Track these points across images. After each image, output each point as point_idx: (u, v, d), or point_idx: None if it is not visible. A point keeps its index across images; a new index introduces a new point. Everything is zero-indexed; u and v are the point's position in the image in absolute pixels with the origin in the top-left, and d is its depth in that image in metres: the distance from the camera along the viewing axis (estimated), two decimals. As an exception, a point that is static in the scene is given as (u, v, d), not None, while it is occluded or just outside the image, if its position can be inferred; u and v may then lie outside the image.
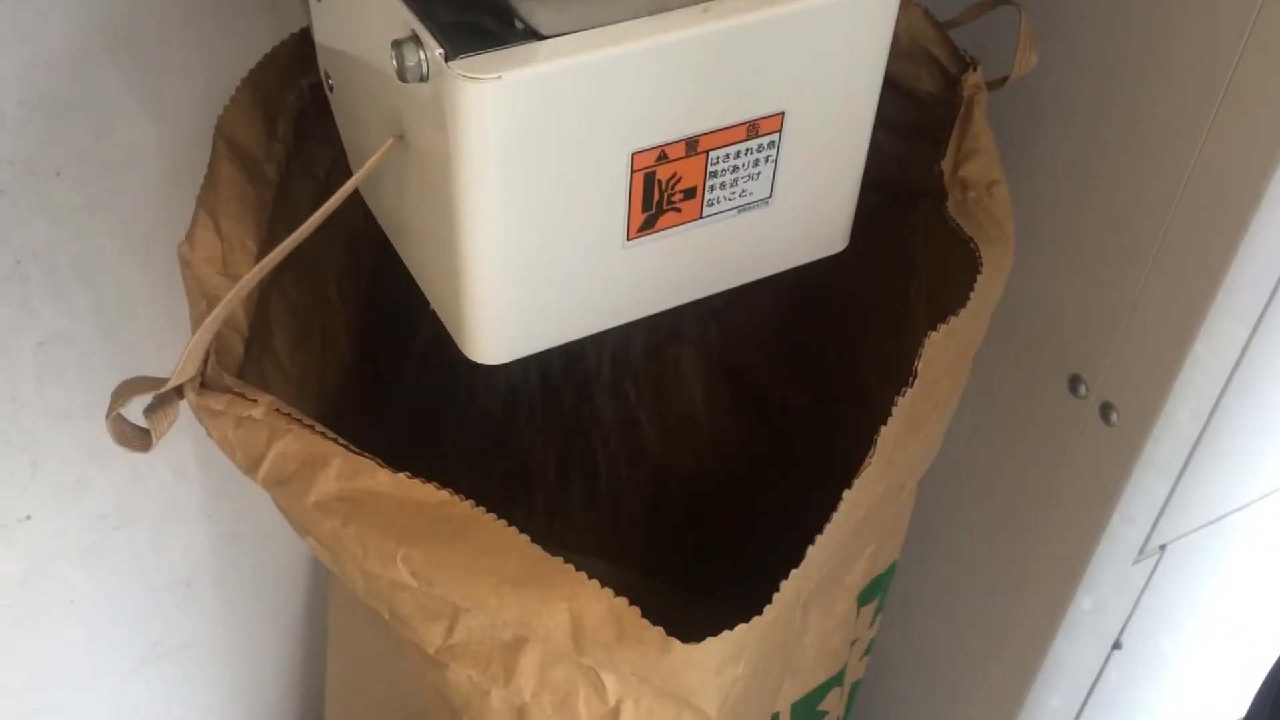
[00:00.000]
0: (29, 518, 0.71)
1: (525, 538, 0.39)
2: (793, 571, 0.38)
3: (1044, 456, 0.75)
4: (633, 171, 0.40)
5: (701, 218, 0.43)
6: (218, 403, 0.43)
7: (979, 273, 0.46)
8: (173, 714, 0.87)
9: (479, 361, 0.43)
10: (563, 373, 0.75)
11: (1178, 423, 0.69)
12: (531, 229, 0.40)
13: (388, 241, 0.63)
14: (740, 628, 0.36)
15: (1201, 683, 1.00)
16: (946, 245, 0.58)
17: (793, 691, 0.60)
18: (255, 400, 0.43)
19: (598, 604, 0.37)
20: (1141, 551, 0.78)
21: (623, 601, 0.37)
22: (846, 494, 0.39)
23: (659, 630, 0.36)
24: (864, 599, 0.62)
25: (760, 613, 0.37)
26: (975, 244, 0.48)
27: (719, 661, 0.37)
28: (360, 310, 0.61)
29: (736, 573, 0.70)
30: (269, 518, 0.83)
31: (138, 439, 0.43)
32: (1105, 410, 0.71)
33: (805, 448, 0.72)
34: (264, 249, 0.49)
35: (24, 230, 0.61)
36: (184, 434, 0.74)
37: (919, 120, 0.60)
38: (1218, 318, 0.63)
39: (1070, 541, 0.76)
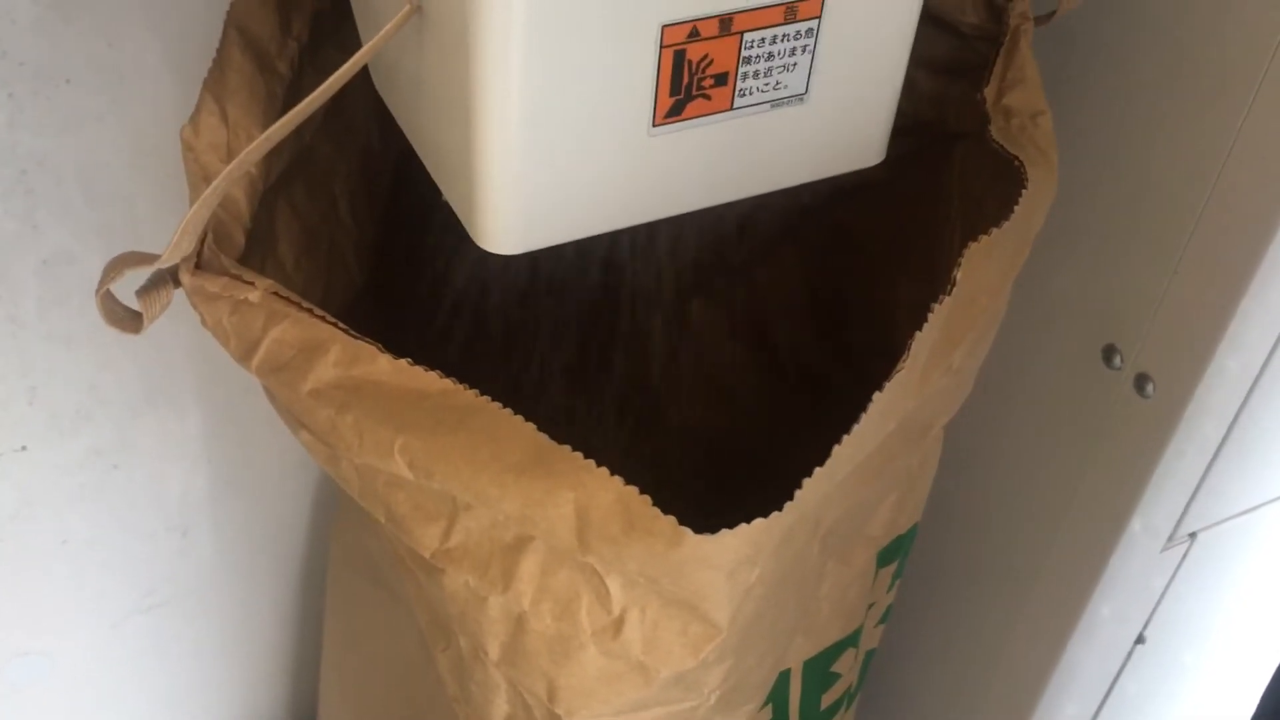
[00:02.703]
0: (24, 448, 0.69)
1: (531, 426, 0.36)
2: (816, 469, 0.35)
3: (1074, 431, 0.73)
4: (662, 47, 0.38)
5: (732, 109, 0.41)
6: (213, 285, 0.41)
7: (1024, 188, 0.43)
8: (164, 667, 0.84)
9: (491, 250, 0.40)
10: (580, 328, 0.73)
11: (1217, 396, 0.66)
12: (553, 107, 0.38)
13: (403, 162, 0.61)
14: (758, 522, 0.34)
15: (1225, 680, 0.96)
16: (987, 185, 0.56)
17: (806, 647, 0.57)
18: (252, 283, 0.41)
19: (605, 493, 0.35)
20: (1171, 538, 0.75)
21: (632, 490, 0.34)
22: (877, 396, 0.37)
23: (670, 519, 0.34)
24: (883, 559, 0.60)
25: (781, 509, 0.34)
26: (1020, 161, 0.45)
27: (733, 561, 0.34)
28: (373, 234, 0.59)
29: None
30: (268, 468, 0.81)
31: (129, 319, 0.41)
32: (1141, 382, 0.68)
33: (831, 408, 0.70)
34: (273, 148, 0.47)
35: (30, 138, 0.59)
36: (184, 370, 0.72)
37: (958, 56, 0.58)
38: (1263, 284, 0.61)
39: (1098, 522, 0.73)
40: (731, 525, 0.34)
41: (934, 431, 0.53)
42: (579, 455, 0.35)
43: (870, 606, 0.61)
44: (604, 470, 0.35)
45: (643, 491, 0.34)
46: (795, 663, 0.57)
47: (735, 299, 0.75)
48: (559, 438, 0.36)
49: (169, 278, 0.41)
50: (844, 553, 0.54)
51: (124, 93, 0.60)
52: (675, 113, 0.40)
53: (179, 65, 0.60)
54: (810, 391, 0.74)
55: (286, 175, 0.51)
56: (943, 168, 0.59)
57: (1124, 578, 0.77)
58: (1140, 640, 0.84)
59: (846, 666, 0.61)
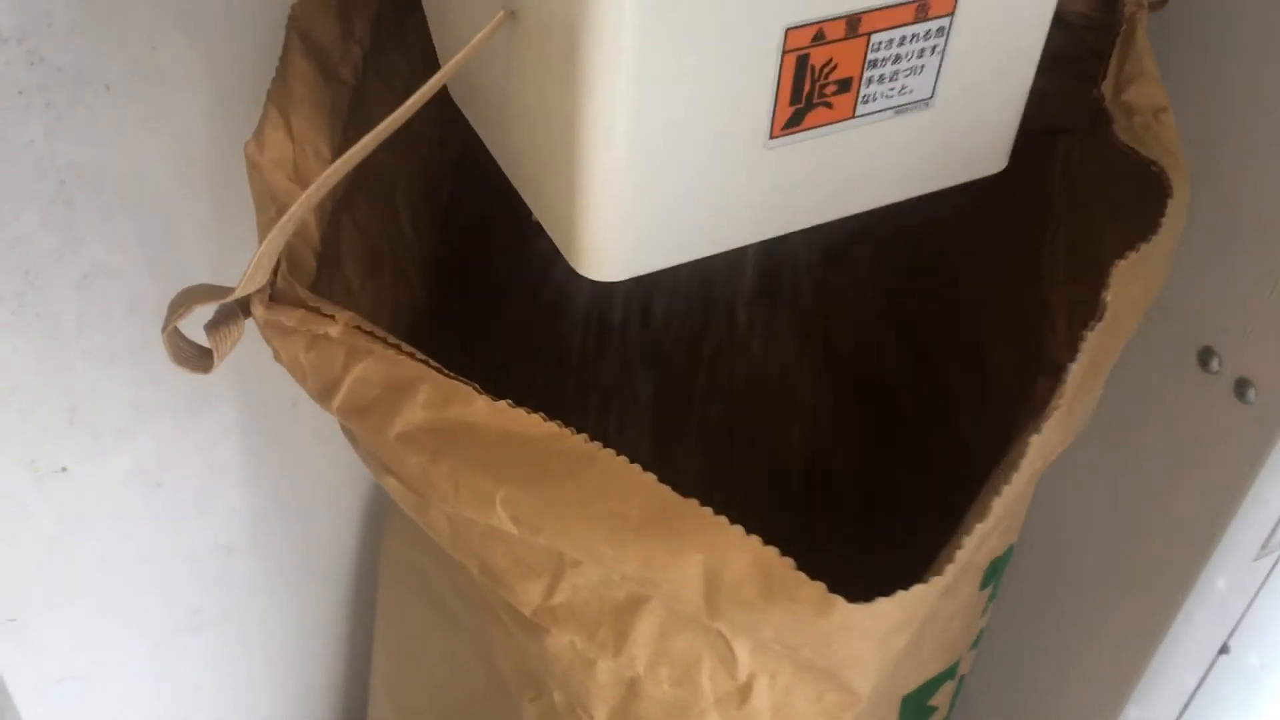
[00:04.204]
0: (64, 470, 0.66)
1: (651, 476, 0.33)
2: (977, 525, 0.32)
3: (1168, 439, 0.69)
4: (784, 53, 0.34)
5: (854, 117, 0.37)
6: (289, 318, 0.37)
7: (1169, 196, 0.39)
8: (209, 687, 0.81)
9: (593, 278, 0.37)
10: (636, 333, 0.69)
11: (1324, 401, 0.62)
12: (665, 119, 0.34)
13: (463, 169, 0.57)
14: (917, 588, 0.30)
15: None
16: (1094, 188, 0.52)
17: (906, 684, 0.54)
18: (332, 316, 0.37)
19: (739, 554, 0.31)
20: (1265, 546, 0.72)
21: (772, 552, 0.31)
22: (1034, 439, 0.33)
23: (818, 586, 0.30)
24: (983, 582, 0.56)
25: (941, 572, 0.30)
26: (1159, 166, 0.41)
27: (886, 629, 0.31)
28: (433, 246, 0.55)
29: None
30: (314, 485, 0.77)
31: (197, 358, 0.37)
32: (1241, 387, 0.64)
33: (904, 419, 0.66)
34: (338, 156, 0.43)
35: (70, 148, 0.55)
36: (227, 386, 0.68)
37: (1062, 48, 0.53)
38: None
39: (1191, 530, 0.70)
40: (807, 545, 0.31)
41: (1051, 459, 0.50)
42: (707, 511, 0.32)
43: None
44: (738, 529, 0.31)
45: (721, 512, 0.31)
46: (895, 700, 0.54)
47: (802, 301, 0.71)
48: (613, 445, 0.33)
49: (239, 310, 0.37)
50: (951, 586, 0.50)
51: (166, 99, 0.56)
52: (794, 123, 0.36)
53: (223, 69, 0.57)
54: (878, 399, 0.70)
55: (348, 186, 0.47)
56: (1041, 169, 0.55)
57: (1215, 587, 0.73)
58: (1224, 650, 0.81)
59: (943, 699, 0.58)
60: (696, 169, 0.35)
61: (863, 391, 0.71)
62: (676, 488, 0.32)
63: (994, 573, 0.58)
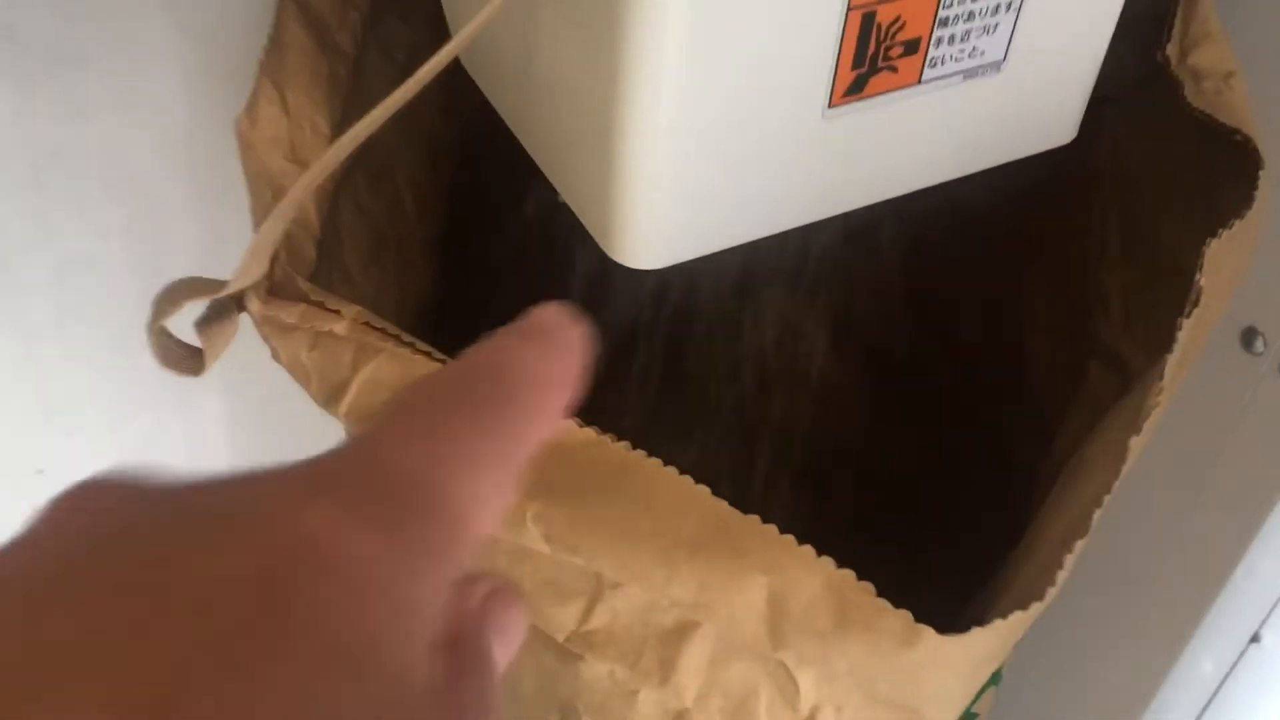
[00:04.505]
0: (41, 472, 0.62)
1: (705, 489, 0.29)
2: (1078, 542, 0.28)
3: (1210, 421, 0.66)
4: (849, 9, 0.30)
5: (920, 83, 0.33)
6: (290, 314, 0.33)
7: (1260, 167, 0.36)
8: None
9: (631, 266, 0.33)
10: (659, 316, 0.65)
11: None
12: (715, 87, 0.30)
13: (468, 146, 0.53)
14: (1016, 616, 0.27)
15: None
16: (1145, 162, 0.48)
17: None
18: (338, 311, 0.33)
19: (810, 578, 0.27)
20: (1308, 532, 0.69)
21: (848, 575, 0.27)
22: (1134, 441, 0.30)
23: (903, 615, 0.27)
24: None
25: (1042, 597, 0.27)
26: (1244, 134, 0.38)
27: (975, 661, 0.27)
28: (438, 227, 0.51)
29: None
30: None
31: (187, 360, 0.33)
32: (1287, 369, 0.61)
33: (930, 406, 0.63)
34: (337, 132, 0.39)
35: (43, 127, 0.51)
36: (213, 380, 0.64)
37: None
38: None
39: (1231, 515, 0.67)
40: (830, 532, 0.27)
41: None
42: (772, 529, 0.28)
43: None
44: (807, 549, 0.28)
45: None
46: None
47: (820, 286, 0.67)
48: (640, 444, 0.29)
49: (233, 305, 0.33)
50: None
51: (145, 75, 0.52)
52: (856, 90, 0.32)
53: (207, 41, 0.52)
54: (903, 387, 0.67)
55: (348, 164, 0.43)
56: (1087, 141, 0.51)
57: (1253, 574, 0.70)
58: (1255, 639, 0.78)
59: (986, 705, 0.54)
60: (747, 143, 0.32)
61: (887, 378, 0.67)
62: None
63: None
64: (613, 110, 0.30)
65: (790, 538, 0.28)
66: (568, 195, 0.35)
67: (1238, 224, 0.34)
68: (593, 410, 0.67)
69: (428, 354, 0.32)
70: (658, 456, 0.30)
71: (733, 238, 0.33)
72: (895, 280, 0.65)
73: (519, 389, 0.19)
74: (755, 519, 0.28)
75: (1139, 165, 0.49)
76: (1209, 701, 0.82)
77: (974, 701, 0.53)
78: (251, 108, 0.37)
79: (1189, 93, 0.42)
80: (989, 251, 0.58)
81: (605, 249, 0.33)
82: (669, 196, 0.32)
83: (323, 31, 0.40)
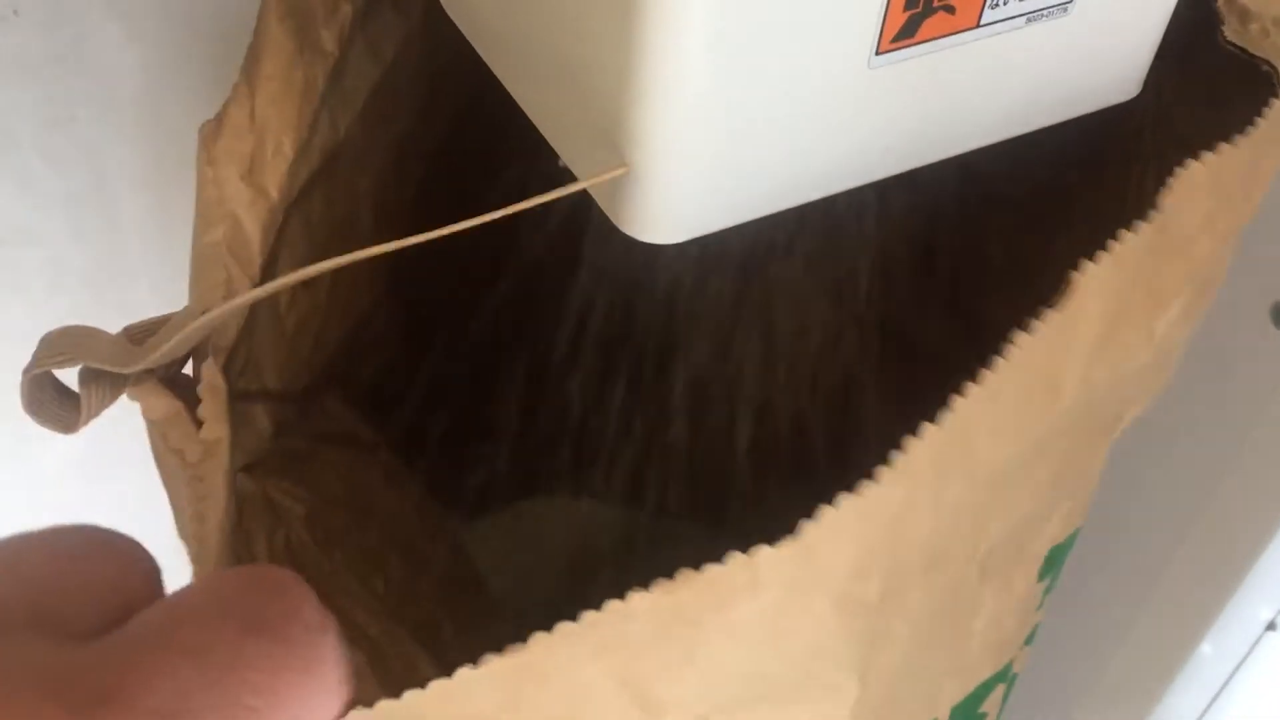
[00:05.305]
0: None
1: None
2: (927, 426, 0.24)
3: (1237, 399, 0.63)
4: (903, -61, 0.26)
5: (978, 26, 0.29)
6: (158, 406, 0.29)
7: (1275, 95, 0.32)
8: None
9: (649, 240, 0.29)
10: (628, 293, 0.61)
11: None
12: (748, 29, 0.26)
13: (441, 150, 0.49)
14: (846, 502, 0.22)
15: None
16: (1193, 113, 0.44)
17: (955, 692, 0.47)
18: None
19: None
20: (1335, 512, 0.66)
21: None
22: (1022, 337, 0.27)
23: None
24: (1041, 574, 0.49)
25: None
26: (1272, 65, 0.34)
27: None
28: (399, 232, 0.47)
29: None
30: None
31: (60, 415, 0.29)
32: (1317, 345, 0.58)
33: (946, 388, 0.59)
34: (303, 152, 0.35)
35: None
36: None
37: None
38: None
39: (1256, 497, 0.64)
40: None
41: (1123, 423, 0.43)
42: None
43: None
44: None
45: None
46: (943, 712, 0.47)
47: (820, 254, 0.63)
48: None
49: (123, 380, 0.29)
50: (1006, 576, 0.44)
51: (88, 26, 0.47)
52: (907, 34, 0.28)
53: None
54: (914, 366, 0.63)
55: (307, 185, 0.39)
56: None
57: (1274, 560, 0.68)
58: (1272, 627, 0.76)
59: (994, 703, 0.51)
60: (783, 94, 0.27)
61: (898, 356, 0.64)
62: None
63: (1054, 562, 0.51)
64: (627, 58, 0.26)
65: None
66: (569, 159, 0.30)
67: (1225, 148, 0.30)
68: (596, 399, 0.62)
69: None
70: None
71: (764, 205, 0.29)
72: (902, 246, 0.61)
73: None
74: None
75: (1183, 121, 0.45)
76: (1222, 688, 0.80)
77: (982, 700, 0.50)
78: (223, 110, 0.33)
79: (1230, 30, 0.38)
80: (1012, 215, 0.54)
81: (615, 221, 0.29)
82: (693, 158, 0.27)
83: (305, 28, 0.35)
